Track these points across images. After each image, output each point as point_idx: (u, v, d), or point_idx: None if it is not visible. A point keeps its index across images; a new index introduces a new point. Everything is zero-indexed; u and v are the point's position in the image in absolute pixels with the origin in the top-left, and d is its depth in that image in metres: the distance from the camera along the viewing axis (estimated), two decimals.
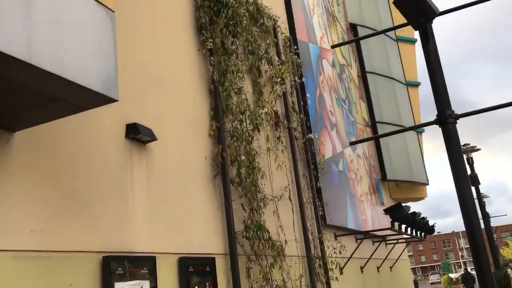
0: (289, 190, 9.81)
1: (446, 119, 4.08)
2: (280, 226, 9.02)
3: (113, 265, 4.95)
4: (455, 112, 4.06)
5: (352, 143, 9.92)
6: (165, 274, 5.80)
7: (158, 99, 6.53)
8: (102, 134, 5.38)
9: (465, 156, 12.85)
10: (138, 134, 5.71)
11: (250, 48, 9.38)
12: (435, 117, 4.55)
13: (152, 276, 5.48)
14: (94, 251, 4.85)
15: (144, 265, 5.40)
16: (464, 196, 4.06)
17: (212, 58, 7.93)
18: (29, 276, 4.09)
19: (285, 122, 10.48)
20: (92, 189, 5.05)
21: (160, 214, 5.99)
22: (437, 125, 4.13)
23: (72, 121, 4.96)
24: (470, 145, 12.83)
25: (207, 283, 6.54)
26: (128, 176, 5.62)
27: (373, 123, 18.88)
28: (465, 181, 4.07)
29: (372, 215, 15.71)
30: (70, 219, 4.67)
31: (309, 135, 11.35)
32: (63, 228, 4.56)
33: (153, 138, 5.95)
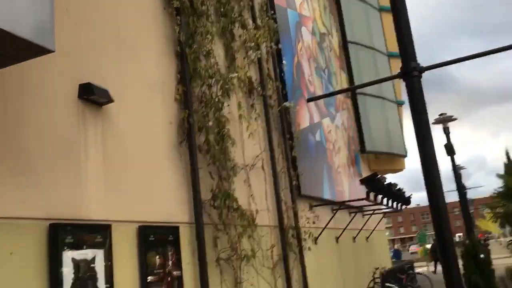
0: (262, 159, 9.54)
1: (411, 72, 3.79)
2: (251, 195, 8.78)
3: (61, 233, 4.65)
4: (421, 66, 3.79)
5: (309, 100, 9.60)
6: (122, 243, 5.52)
7: (117, 59, 6.13)
8: (51, 94, 5.00)
9: (441, 126, 12.73)
10: (92, 95, 5.34)
11: (222, 10, 8.93)
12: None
13: (107, 245, 5.20)
14: (40, 218, 4.53)
15: (97, 233, 5.11)
16: (426, 153, 3.81)
17: (179, 17, 7.49)
18: None
19: (259, 89, 10.14)
20: (39, 152, 4.70)
21: (117, 180, 5.68)
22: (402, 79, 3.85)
23: (17, 77, 4.57)
24: (447, 115, 12.70)
25: (170, 253, 6.29)
26: (81, 139, 5.26)
27: (353, 94, 18.63)
28: (428, 138, 3.82)
29: (349, 187, 15.62)
30: (12, 183, 4.33)
31: (284, 103, 11.03)
32: (4, 194, 4.22)
33: (110, 100, 5.58)
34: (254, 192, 8.87)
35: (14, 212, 4.28)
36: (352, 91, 18.49)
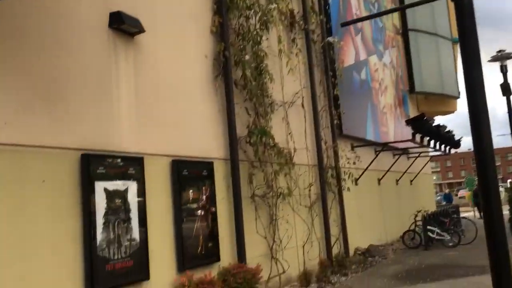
0: (302, 97, 9.26)
1: None
2: (289, 133, 8.60)
3: (93, 164, 4.68)
4: None
5: (344, 24, 8.98)
6: (155, 177, 5.54)
7: None
8: (82, 22, 4.87)
9: (498, 64, 11.80)
10: (122, 24, 5.18)
11: None
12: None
13: (140, 178, 5.22)
14: (72, 148, 4.55)
15: (130, 165, 5.12)
16: (472, 84, 3.43)
17: None
18: None
19: (302, 23, 9.67)
20: (70, 81, 4.65)
21: (150, 113, 5.61)
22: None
23: (46, 8, 4.46)
24: (505, 51, 11.69)
25: (204, 188, 6.30)
26: (113, 70, 5.17)
27: (404, 31, 17.61)
28: (476, 64, 3.42)
29: (395, 128, 15.12)
30: (44, 113, 4.33)
31: (328, 38, 10.52)
32: (35, 122, 4.23)
33: (141, 29, 5.41)
34: (292, 130, 8.68)
35: (45, 141, 4.30)
36: (404, 26, 17.45)
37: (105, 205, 4.74)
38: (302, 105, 9.19)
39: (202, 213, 6.19)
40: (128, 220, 4.98)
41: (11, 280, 3.83)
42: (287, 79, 8.73)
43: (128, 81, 5.35)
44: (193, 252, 5.92)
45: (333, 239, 9.59)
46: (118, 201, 4.89)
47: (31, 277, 3.98)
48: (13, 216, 3.92)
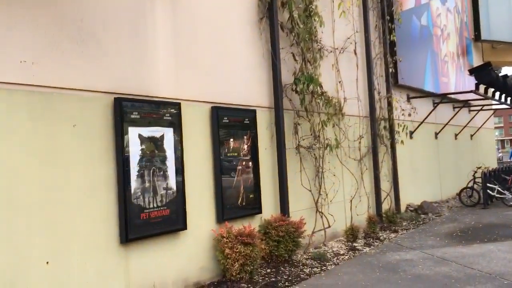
0: (355, 42, 8.63)
1: None
2: (339, 81, 8.09)
3: (127, 108, 4.46)
4: None
5: None
6: (193, 124, 5.29)
7: None
8: None
9: None
10: None
11: None
12: None
13: (176, 124, 4.98)
14: (104, 91, 4.35)
15: (166, 111, 4.89)
16: None
17: None
18: (21, 112, 3.68)
19: None
20: (102, 22, 4.39)
21: (189, 56, 5.30)
22: None
23: None
24: None
25: (245, 137, 6.01)
26: (148, 9, 4.86)
27: None
28: None
29: (456, 78, 14.09)
30: (74, 54, 4.11)
31: None
32: (65, 63, 4.02)
33: None
34: (343, 78, 8.15)
35: (76, 83, 4.10)
36: None
37: (140, 152, 4.56)
38: (355, 52, 8.58)
39: (243, 163, 5.94)
40: (164, 168, 4.79)
41: (43, 226, 3.76)
42: (339, 22, 8.12)
43: (165, 22, 5.03)
44: (233, 203, 5.72)
45: (383, 195, 9.16)
46: (153, 148, 4.70)
47: (63, 224, 3.90)
48: (44, 162, 3.79)
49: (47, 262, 3.75)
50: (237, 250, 5.15)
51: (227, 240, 5.23)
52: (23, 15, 3.74)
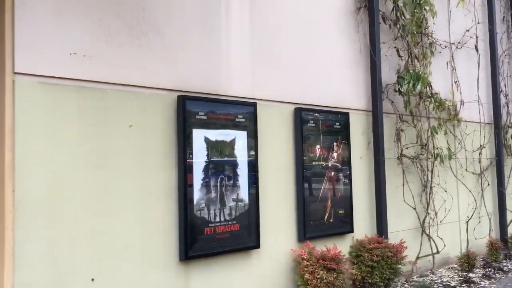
0: (476, 36, 7.35)
1: None
2: (455, 82, 6.91)
3: (192, 107, 3.95)
4: None
5: None
6: (271, 127, 4.65)
7: None
8: None
9: None
10: None
11: None
12: None
13: (251, 128, 4.38)
14: (165, 88, 3.88)
15: (238, 112, 4.31)
16: None
17: None
18: (69, 109, 3.33)
19: None
20: (166, 11, 3.94)
21: (268, 50, 4.68)
22: None
23: None
24: None
25: (336, 144, 5.22)
26: None
27: None
28: None
29: None
30: (132, 46, 3.70)
31: None
32: (120, 56, 3.62)
33: None
34: (459, 78, 6.95)
35: (134, 79, 3.69)
36: None
37: (205, 158, 4.02)
38: (476, 47, 7.30)
39: (332, 173, 5.15)
40: (234, 176, 4.21)
41: (88, 237, 3.36)
42: (456, 13, 6.94)
43: (240, 12, 4.47)
44: (318, 219, 4.96)
45: (509, 216, 7.68)
46: (222, 153, 4.14)
47: (113, 236, 3.48)
48: (93, 166, 3.41)
49: (92, 279, 3.35)
50: (318, 276, 4.38)
51: (308, 263, 4.48)
52: (74, 0, 3.40)
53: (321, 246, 4.74)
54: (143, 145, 3.69)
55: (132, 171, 3.61)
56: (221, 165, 4.11)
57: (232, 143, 4.22)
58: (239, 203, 4.23)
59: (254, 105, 4.41)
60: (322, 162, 5.06)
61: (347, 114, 5.36)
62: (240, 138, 4.28)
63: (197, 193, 3.93)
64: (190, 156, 3.90)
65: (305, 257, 4.51)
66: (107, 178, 3.47)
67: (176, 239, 3.83)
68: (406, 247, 5.34)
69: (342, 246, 5.08)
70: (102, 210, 3.42)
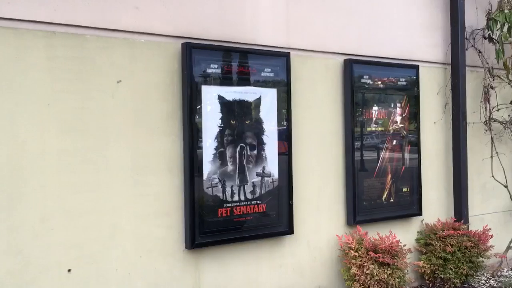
0: None
1: None
2: None
3: (202, 59, 3.13)
4: None
5: None
6: (311, 83, 3.71)
7: None
8: None
9: None
10: None
11: None
12: None
13: (282, 84, 3.48)
14: (168, 35, 3.09)
15: (266, 64, 3.42)
16: None
17: None
18: (36, 61, 2.66)
19: None
20: None
21: None
22: None
23: None
24: None
25: (399, 104, 4.16)
26: None
27: None
28: None
29: None
30: None
31: None
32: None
33: None
34: None
35: (123, 23, 2.94)
36: None
37: (219, 121, 3.21)
38: None
39: (394, 142, 4.13)
40: (259, 145, 3.37)
41: (71, 217, 2.73)
42: None
43: None
44: (374, 198, 4.00)
45: None
46: (242, 116, 3.31)
47: (101, 215, 2.82)
48: (71, 131, 2.74)
49: (69, 270, 2.73)
50: (367, 272, 3.46)
51: (356, 254, 3.58)
52: None
53: (376, 232, 3.80)
54: (136, 106, 2.96)
55: (121, 138, 2.90)
56: (240, 131, 3.29)
57: (256, 103, 3.37)
58: (266, 179, 3.39)
59: (287, 55, 3.49)
60: (380, 128, 4.05)
61: (416, 68, 4.25)
62: (267, 98, 3.41)
63: (208, 166, 3.15)
64: (199, 119, 3.12)
65: (353, 246, 3.60)
66: (89, 147, 2.79)
67: (181, 222, 3.10)
68: (491, 236, 4.22)
69: (406, 233, 4.11)
70: (82, 185, 2.77)
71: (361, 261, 3.53)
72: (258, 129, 3.37)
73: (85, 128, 2.79)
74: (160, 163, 3.04)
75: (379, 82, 4.03)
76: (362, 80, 3.93)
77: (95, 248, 2.81)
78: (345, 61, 3.87)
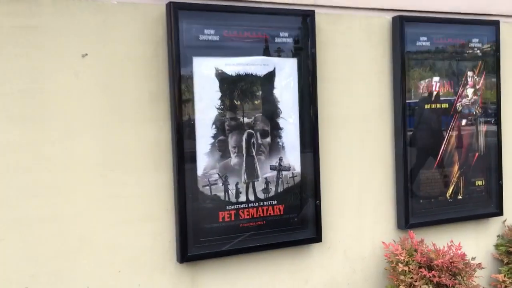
0: None
1: None
2: None
3: (190, 20, 2.45)
4: None
5: None
6: (350, 49, 2.90)
7: None
8: None
9: None
10: None
11: None
12: None
13: (305, 52, 2.70)
14: None
15: (281, 27, 2.66)
16: None
17: None
18: None
19: None
20: None
21: None
22: None
23: None
24: None
25: (470, 73, 3.21)
26: None
27: None
28: None
29: None
30: None
31: None
32: None
33: None
34: None
35: None
36: None
37: (218, 102, 2.54)
38: None
39: (464, 121, 3.20)
40: (273, 132, 2.65)
41: (27, 224, 2.24)
42: None
43: None
44: (433, 194, 3.13)
45: None
46: (248, 95, 2.60)
47: (65, 222, 2.29)
48: (21, 119, 2.22)
49: None
50: None
51: (406, 268, 2.76)
52: None
53: (439, 238, 2.96)
54: (108, 86, 2.37)
55: (88, 127, 2.33)
56: (248, 114, 2.58)
57: (269, 78, 2.64)
58: (284, 173, 2.67)
59: (311, 14, 2.71)
60: (443, 105, 3.13)
61: (495, 25, 3.25)
62: (284, 70, 2.66)
63: (205, 159, 2.50)
64: (191, 100, 2.46)
65: (402, 259, 2.79)
66: (44, 139, 2.25)
67: (172, 228, 2.50)
68: None
69: (481, 238, 3.23)
70: (37, 188, 2.24)
71: (411, 278, 2.72)
72: (271, 111, 2.64)
73: (39, 116, 2.24)
74: (141, 157, 2.43)
75: (442, 45, 3.11)
76: (418, 43, 3.03)
77: (58, 263, 2.28)
78: (394, 19, 2.99)
